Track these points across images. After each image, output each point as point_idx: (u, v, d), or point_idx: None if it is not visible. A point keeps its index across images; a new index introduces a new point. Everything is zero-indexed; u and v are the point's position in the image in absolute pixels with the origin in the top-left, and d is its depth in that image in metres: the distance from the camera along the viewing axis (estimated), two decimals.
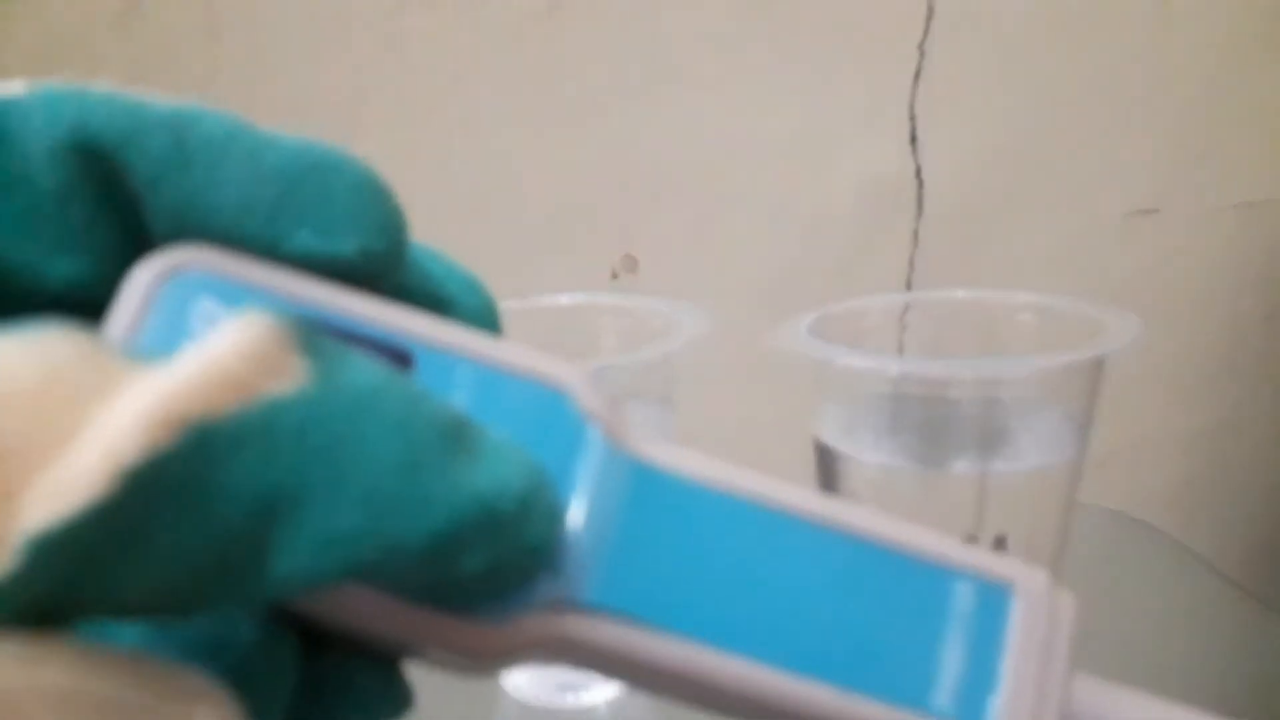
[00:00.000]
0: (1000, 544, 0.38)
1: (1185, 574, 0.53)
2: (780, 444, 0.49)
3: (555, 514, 0.13)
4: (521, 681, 0.43)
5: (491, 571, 0.12)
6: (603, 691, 0.43)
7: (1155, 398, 0.74)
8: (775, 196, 0.66)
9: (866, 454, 0.40)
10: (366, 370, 0.12)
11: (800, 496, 0.15)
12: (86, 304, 0.14)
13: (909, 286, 0.68)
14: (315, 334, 0.12)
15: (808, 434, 0.41)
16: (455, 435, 0.12)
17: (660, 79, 0.63)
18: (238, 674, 0.13)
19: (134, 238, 0.14)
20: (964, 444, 0.39)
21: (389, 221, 0.14)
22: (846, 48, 0.64)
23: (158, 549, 0.10)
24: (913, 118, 0.65)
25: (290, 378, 0.11)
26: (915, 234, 0.68)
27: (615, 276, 0.66)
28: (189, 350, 0.11)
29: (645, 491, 0.15)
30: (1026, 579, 0.16)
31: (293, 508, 0.11)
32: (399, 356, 0.14)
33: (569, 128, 0.63)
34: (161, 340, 0.13)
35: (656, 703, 0.45)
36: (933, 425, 0.39)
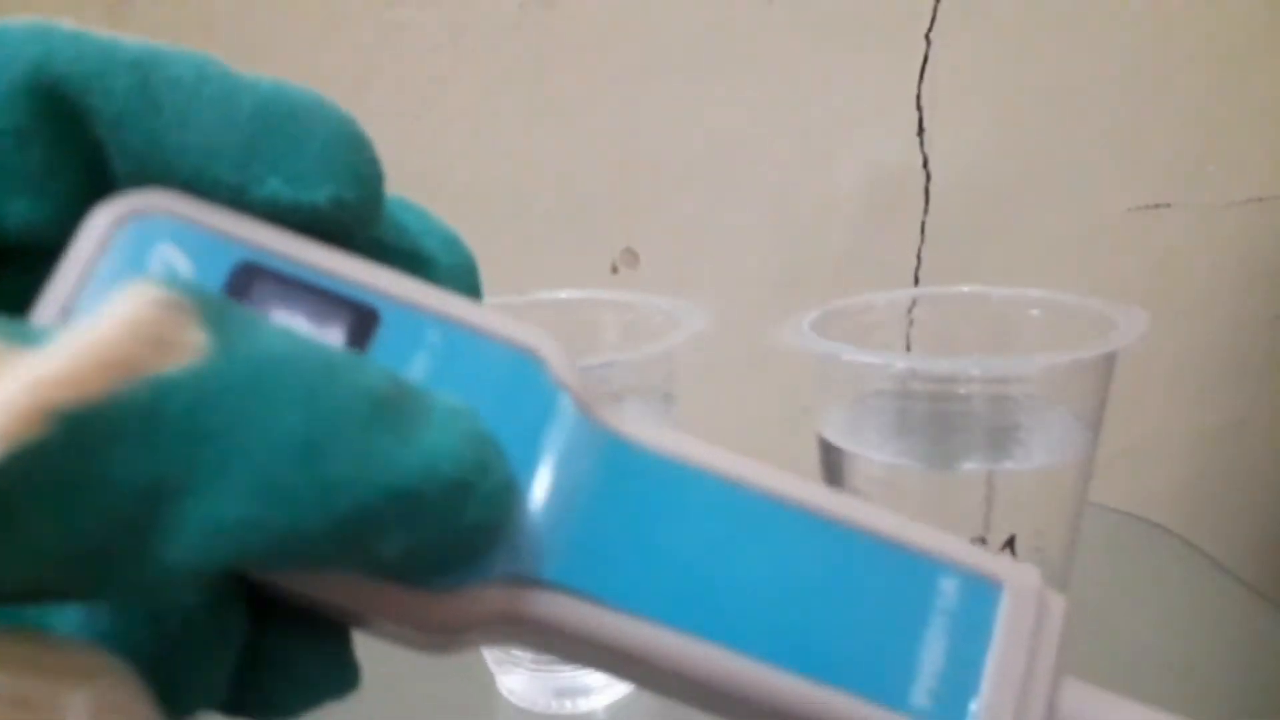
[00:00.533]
0: (1009, 545, 0.38)
1: (1194, 574, 0.53)
2: (783, 442, 0.49)
3: (503, 492, 0.12)
4: (518, 686, 0.43)
5: (420, 552, 0.12)
6: (601, 697, 0.42)
7: (1163, 396, 0.73)
8: (779, 189, 0.66)
9: (872, 453, 0.39)
10: (275, 341, 0.11)
11: (781, 480, 0.15)
12: (46, 248, 0.13)
13: (916, 281, 0.68)
14: (221, 303, 0.11)
15: (811, 432, 0.41)
16: (386, 408, 0.11)
17: (662, 70, 0.62)
18: (178, 640, 0.12)
19: (97, 182, 0.14)
20: (972, 443, 0.38)
21: (364, 171, 0.14)
22: (852, 37, 0.63)
23: (31, 540, 0.10)
24: (920, 109, 0.65)
25: (184, 354, 0.10)
26: (922, 227, 0.67)
27: (616, 271, 0.66)
28: (71, 329, 0.10)
29: (616, 466, 0.14)
30: (1016, 577, 0.15)
31: (177, 495, 0.10)
32: (364, 314, 0.14)
33: (569, 119, 0.63)
34: (115, 285, 0.12)
35: (657, 707, 0.44)
36: (940, 423, 0.38)
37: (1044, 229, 0.69)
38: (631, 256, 0.66)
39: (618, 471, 0.14)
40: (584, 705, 0.42)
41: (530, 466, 0.14)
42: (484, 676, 0.44)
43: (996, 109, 0.66)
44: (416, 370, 0.14)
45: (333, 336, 0.13)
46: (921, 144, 0.66)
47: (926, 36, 0.64)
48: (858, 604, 0.14)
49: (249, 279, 0.13)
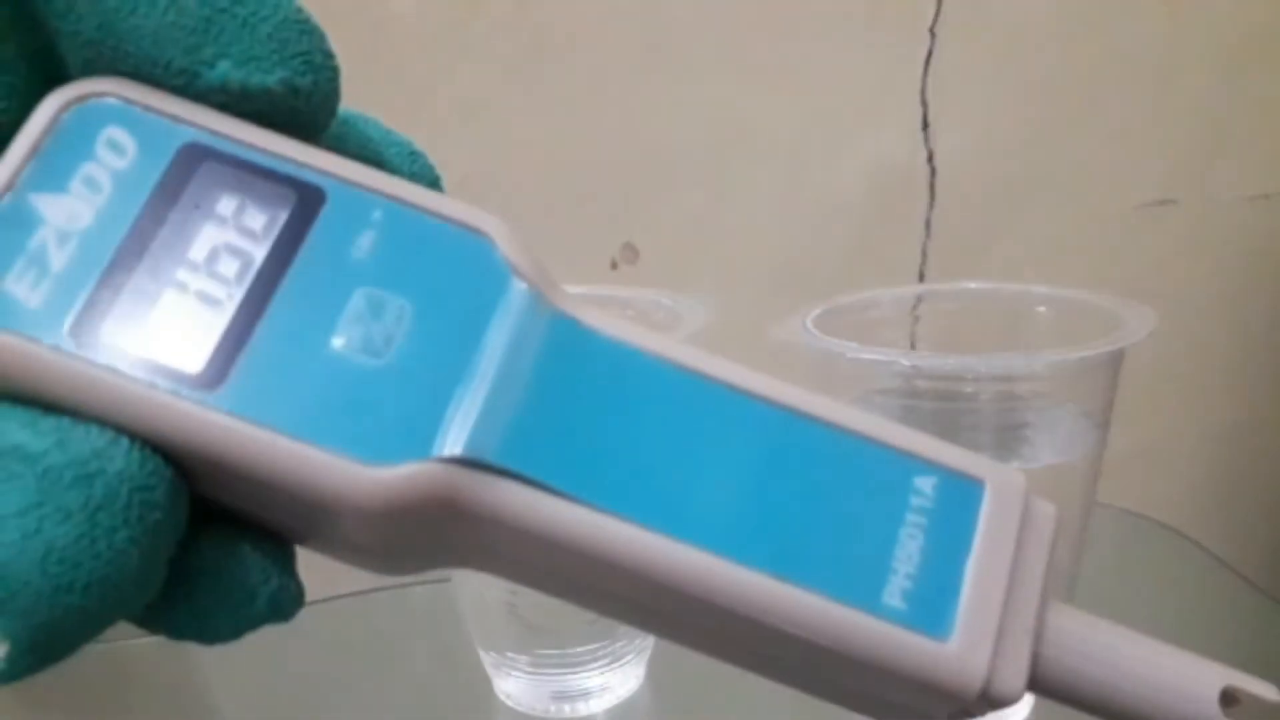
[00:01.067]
0: None
1: (1203, 575, 0.53)
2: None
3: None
4: (515, 691, 0.43)
5: None
6: (600, 701, 0.42)
7: (1171, 395, 0.73)
8: (781, 184, 0.65)
9: None
10: None
11: (747, 375, 0.14)
12: (3, 143, 0.13)
13: (921, 277, 0.68)
14: None
15: None
16: None
17: (662, 62, 0.62)
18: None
19: (52, 76, 0.14)
20: (978, 441, 0.38)
21: (317, 59, 0.14)
22: (856, 29, 0.63)
23: None
24: (924, 103, 0.64)
25: None
26: (927, 223, 0.67)
27: (615, 267, 0.65)
28: None
29: (570, 351, 0.14)
30: (1000, 478, 0.14)
31: None
32: (310, 193, 0.14)
33: (568, 114, 0.62)
34: (59, 165, 0.13)
35: (656, 710, 0.44)
36: (945, 422, 0.38)
37: (1050, 225, 0.68)
38: (631, 252, 0.65)
39: (571, 356, 0.14)
40: (582, 709, 0.42)
41: (477, 349, 0.13)
42: (481, 681, 0.43)
43: (1002, 104, 0.66)
44: (361, 249, 0.14)
45: (278, 215, 0.13)
46: (926, 139, 0.65)
47: (931, 31, 0.63)
48: (825, 500, 0.14)
49: (194, 160, 0.13)
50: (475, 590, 0.41)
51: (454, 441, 0.13)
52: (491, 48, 0.61)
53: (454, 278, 0.14)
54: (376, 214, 0.14)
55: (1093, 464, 0.39)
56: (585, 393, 0.14)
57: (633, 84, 0.62)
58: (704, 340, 0.37)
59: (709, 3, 0.61)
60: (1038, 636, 0.14)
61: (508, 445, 0.13)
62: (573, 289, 0.46)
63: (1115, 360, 0.37)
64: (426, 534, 0.13)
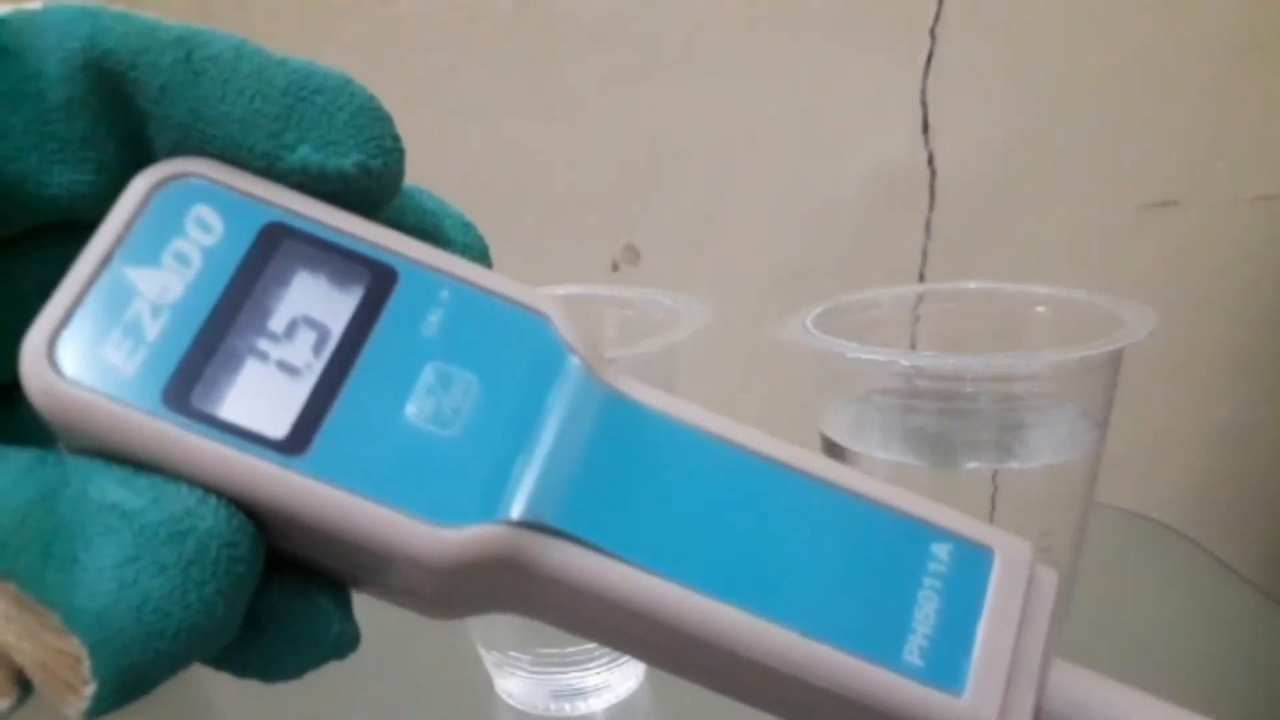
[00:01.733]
0: None
1: (1202, 575, 0.53)
2: (786, 441, 0.48)
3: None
4: (516, 689, 0.43)
5: None
6: (599, 700, 0.42)
7: (1170, 395, 0.73)
8: (782, 185, 0.65)
9: (876, 452, 0.39)
10: None
11: (778, 446, 0.16)
12: (84, 224, 0.14)
13: (921, 279, 0.68)
14: None
15: (814, 430, 0.41)
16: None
17: (663, 63, 0.62)
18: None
19: (136, 156, 0.15)
20: (977, 441, 0.38)
21: (388, 144, 0.15)
22: (856, 31, 0.63)
23: None
24: (925, 104, 0.64)
25: None
26: (927, 224, 0.67)
27: (616, 268, 0.65)
28: None
29: (621, 425, 0.15)
30: (1008, 547, 0.15)
31: None
32: (383, 272, 0.15)
33: (568, 114, 0.62)
34: (152, 240, 0.14)
35: (655, 709, 0.44)
36: (945, 422, 0.38)
37: (1050, 226, 0.68)
38: (632, 253, 0.65)
39: (622, 430, 0.15)
40: (582, 708, 0.42)
41: (537, 420, 0.14)
42: (482, 680, 0.44)
43: (1002, 105, 0.66)
44: (431, 325, 0.15)
45: (353, 292, 0.14)
46: (926, 141, 0.65)
47: (931, 32, 0.63)
48: (851, 564, 0.15)
49: (276, 238, 0.14)
50: None
51: (517, 506, 0.14)
52: (493, 49, 0.61)
53: (515, 354, 0.15)
54: (444, 293, 0.15)
55: (1092, 464, 0.39)
56: (633, 462, 0.15)
57: (634, 86, 0.62)
58: (704, 340, 0.37)
59: (709, 4, 0.61)
60: (1040, 692, 0.15)
61: (565, 509, 0.14)
62: (574, 289, 0.45)
63: (1115, 360, 0.37)
64: (485, 586, 0.14)
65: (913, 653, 0.14)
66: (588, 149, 0.63)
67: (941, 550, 0.15)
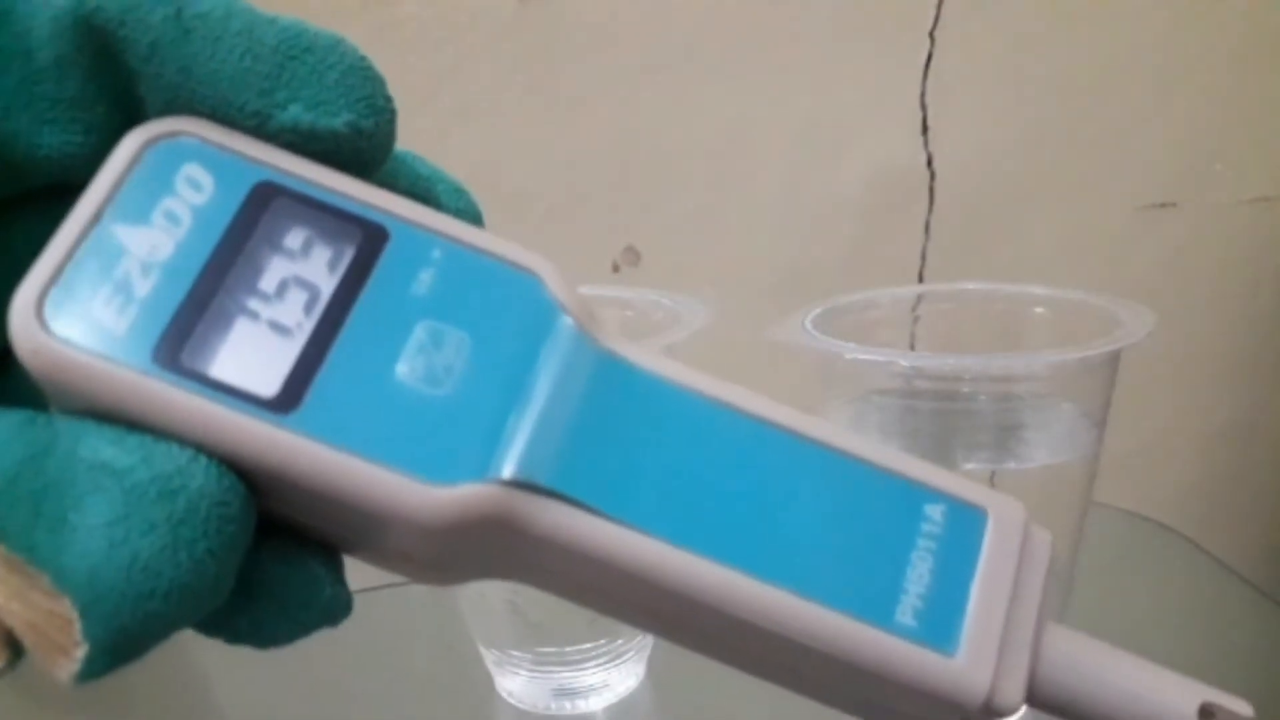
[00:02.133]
0: None
1: (1201, 575, 0.53)
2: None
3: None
4: (517, 688, 0.43)
5: None
6: (599, 699, 0.42)
7: (1169, 396, 0.73)
8: (782, 186, 0.65)
9: None
10: None
11: (772, 408, 0.15)
12: (74, 185, 0.14)
13: (920, 279, 0.68)
14: None
15: None
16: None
17: (663, 65, 0.62)
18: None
19: (126, 115, 0.15)
20: (976, 441, 0.38)
21: (379, 104, 0.15)
22: (856, 33, 0.63)
23: None
24: (924, 106, 0.64)
25: None
26: (927, 226, 0.67)
27: (617, 270, 0.65)
28: None
29: (612, 384, 0.15)
30: (1002, 507, 0.15)
31: None
32: (374, 231, 0.15)
33: (569, 117, 0.62)
34: (143, 199, 0.14)
35: (655, 708, 0.44)
36: (944, 422, 0.38)
37: (1049, 228, 0.68)
38: (633, 255, 0.65)
39: (615, 390, 0.15)
40: (583, 706, 0.42)
41: (529, 379, 0.14)
42: (483, 678, 0.44)
43: (1001, 107, 0.66)
44: (423, 284, 0.14)
45: (344, 251, 0.14)
46: (926, 142, 0.65)
47: (930, 34, 0.63)
48: (844, 525, 0.15)
49: (267, 197, 0.14)
50: (476, 589, 0.41)
51: (509, 465, 0.14)
52: (494, 49, 0.61)
53: (507, 313, 0.15)
54: (436, 252, 0.15)
55: (1090, 464, 0.39)
56: (625, 422, 0.15)
57: (635, 87, 0.62)
58: (704, 340, 0.37)
59: (710, 6, 0.61)
60: (1034, 653, 0.15)
61: (556, 469, 0.14)
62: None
63: (1113, 360, 0.37)
64: (477, 548, 0.14)
65: (906, 613, 0.14)
66: (588, 149, 0.63)
67: (935, 511, 0.15)
